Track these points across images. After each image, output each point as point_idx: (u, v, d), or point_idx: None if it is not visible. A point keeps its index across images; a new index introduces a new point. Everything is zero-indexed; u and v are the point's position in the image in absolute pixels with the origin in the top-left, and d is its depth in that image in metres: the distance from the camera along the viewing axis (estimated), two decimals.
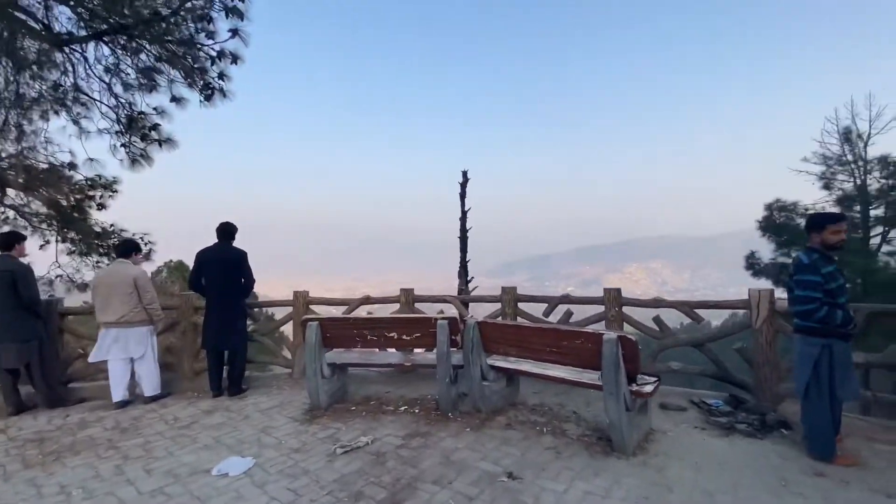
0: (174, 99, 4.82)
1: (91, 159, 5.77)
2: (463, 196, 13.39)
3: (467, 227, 13.48)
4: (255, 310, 5.75)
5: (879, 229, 10.73)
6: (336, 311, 5.62)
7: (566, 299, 5.16)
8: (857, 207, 10.84)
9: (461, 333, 3.46)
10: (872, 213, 10.53)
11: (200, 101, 5.07)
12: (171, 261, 25.86)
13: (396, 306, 5.29)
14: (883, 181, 9.77)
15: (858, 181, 10.57)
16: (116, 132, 4.68)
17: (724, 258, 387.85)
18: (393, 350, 4.18)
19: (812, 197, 11.44)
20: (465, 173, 13.52)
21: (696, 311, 4.25)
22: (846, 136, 10.27)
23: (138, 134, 4.64)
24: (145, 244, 7.71)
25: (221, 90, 4.79)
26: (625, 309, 4.65)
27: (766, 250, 12.86)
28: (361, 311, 5.36)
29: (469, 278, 13.40)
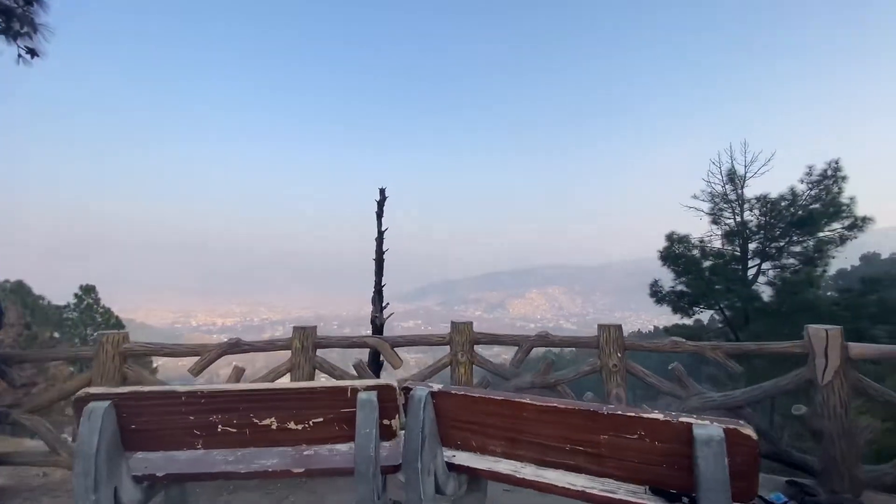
0: None
1: None
2: (380, 215, 12.43)
3: (384, 249, 12.51)
4: (9, 367, 3.66)
5: (756, 261, 12.05)
6: (178, 367, 3.95)
7: (544, 340, 4.00)
8: (737, 241, 12.12)
9: (400, 412, 2.04)
10: (751, 246, 11.85)
11: (21, 53, 3.55)
12: (6, 281, 20.71)
13: (283, 356, 3.79)
14: (762, 218, 11.12)
15: (738, 218, 11.90)
16: None
17: (609, 285, 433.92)
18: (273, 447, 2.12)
19: (699, 230, 12.74)
20: (382, 191, 12.63)
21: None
22: (730, 177, 11.64)
23: None
24: None
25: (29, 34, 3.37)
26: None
27: (656, 279, 13.73)
28: (223, 370, 3.99)
29: (384, 304, 12.33)
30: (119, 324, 21.20)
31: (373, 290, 12.09)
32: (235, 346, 4.04)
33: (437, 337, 4.13)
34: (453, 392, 1.96)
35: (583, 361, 3.99)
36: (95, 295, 20.78)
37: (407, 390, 1.96)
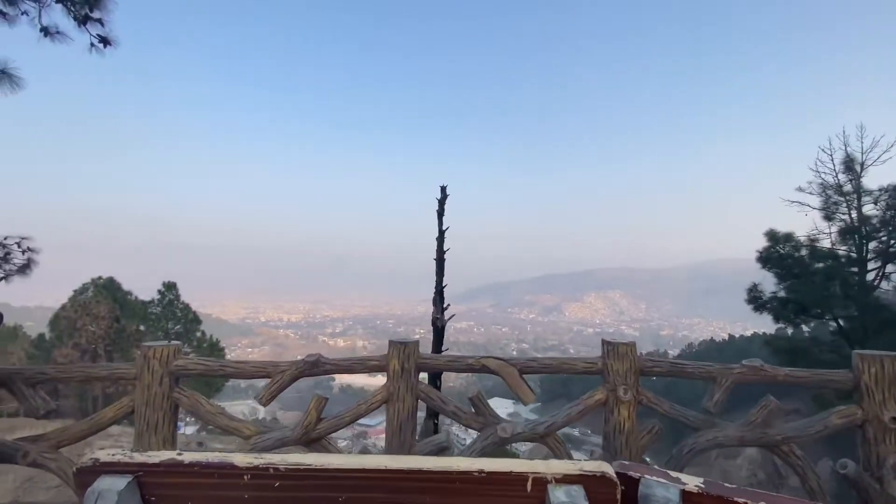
0: (45, 30, 3.22)
1: None
2: (441, 214, 12.01)
3: (444, 249, 12.09)
4: (32, 389, 2.91)
5: (877, 263, 10.21)
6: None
7: (757, 373, 2.69)
8: (854, 240, 10.33)
9: None
10: (870, 245, 10.04)
11: (93, 42, 3.44)
12: (99, 277, 22.84)
13: (377, 381, 2.98)
14: (888, 212, 9.33)
15: (856, 213, 10.12)
16: None
17: (677, 290, 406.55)
18: None
19: (805, 228, 10.95)
20: (443, 189, 12.19)
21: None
22: (847, 164, 9.92)
23: None
24: (23, 252, 5.68)
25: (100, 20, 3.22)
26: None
27: (755, 282, 12.10)
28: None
29: (445, 305, 11.91)
30: (197, 318, 22.71)
31: (433, 290, 11.77)
32: (315, 367, 2.99)
33: (584, 363, 3.07)
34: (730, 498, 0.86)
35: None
36: (176, 291, 22.47)
37: (628, 481, 0.93)
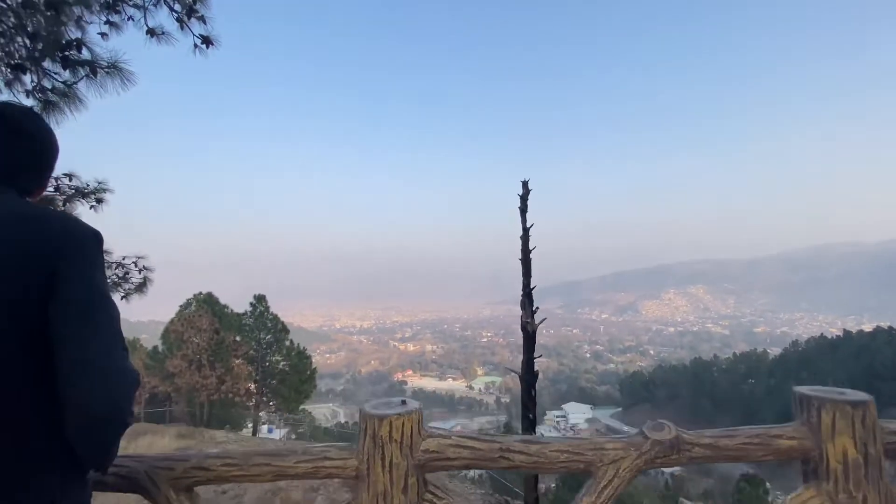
0: (151, 31, 3.09)
1: None
2: (524, 210, 11.19)
3: (530, 248, 11.34)
4: None
5: None
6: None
7: None
8: None
9: None
10: None
11: (196, 42, 3.24)
12: (200, 292, 24.85)
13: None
14: None
15: None
16: (13, 57, 2.76)
17: (772, 282, 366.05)
18: None
19: None
20: (525, 184, 11.34)
21: None
22: None
23: (56, 56, 2.83)
24: (139, 271, 5.79)
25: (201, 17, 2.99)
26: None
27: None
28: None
29: (534, 308, 11.13)
30: (285, 328, 23.98)
31: (521, 293, 11.04)
32: None
33: (786, 439, 1.56)
34: None
35: None
36: (266, 303, 23.93)
37: None
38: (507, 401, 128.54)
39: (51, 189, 4.39)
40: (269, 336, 23.27)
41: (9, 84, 2.61)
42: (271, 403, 24.07)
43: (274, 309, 24.94)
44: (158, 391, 21.37)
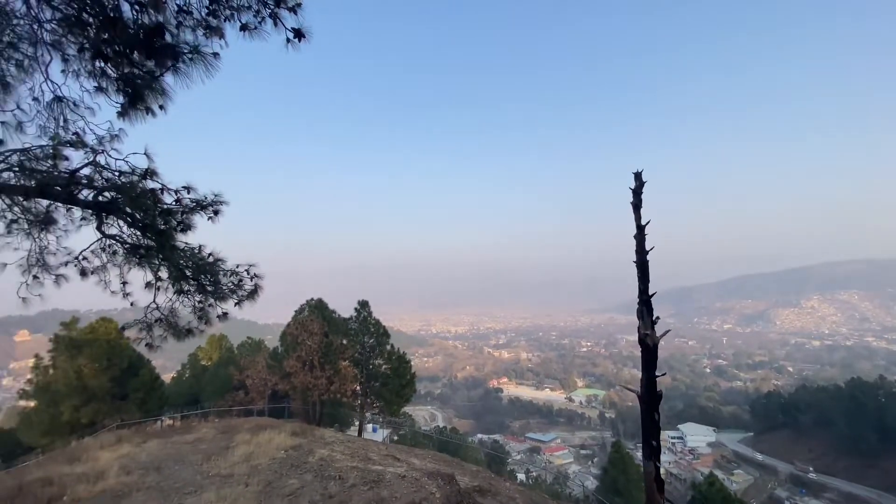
0: (244, 27, 2.99)
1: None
2: (637, 206, 9.88)
3: (647, 248, 9.94)
4: None
5: None
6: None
7: None
8: None
9: None
10: None
11: (288, 36, 3.06)
12: (312, 299, 26.95)
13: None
14: None
15: None
16: (91, 50, 2.74)
17: None
18: None
19: None
20: (638, 176, 10.08)
21: None
22: None
23: (140, 44, 2.79)
24: (251, 278, 5.97)
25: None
26: None
27: None
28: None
29: (654, 318, 9.70)
30: (386, 333, 24.96)
31: (637, 300, 9.65)
32: None
33: None
34: None
35: None
36: (369, 309, 25.12)
37: None
38: (613, 416, 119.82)
39: (172, 201, 4.68)
40: (371, 340, 24.31)
41: (93, 75, 2.68)
42: (375, 405, 25.04)
43: (375, 314, 26.02)
44: (278, 389, 23.49)
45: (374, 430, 35.87)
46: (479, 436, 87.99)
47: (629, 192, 9.93)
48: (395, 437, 33.95)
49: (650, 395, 9.19)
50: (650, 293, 9.55)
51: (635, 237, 9.89)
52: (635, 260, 9.81)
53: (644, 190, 10.08)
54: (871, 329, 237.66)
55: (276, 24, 3.03)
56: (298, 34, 3.07)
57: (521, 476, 39.86)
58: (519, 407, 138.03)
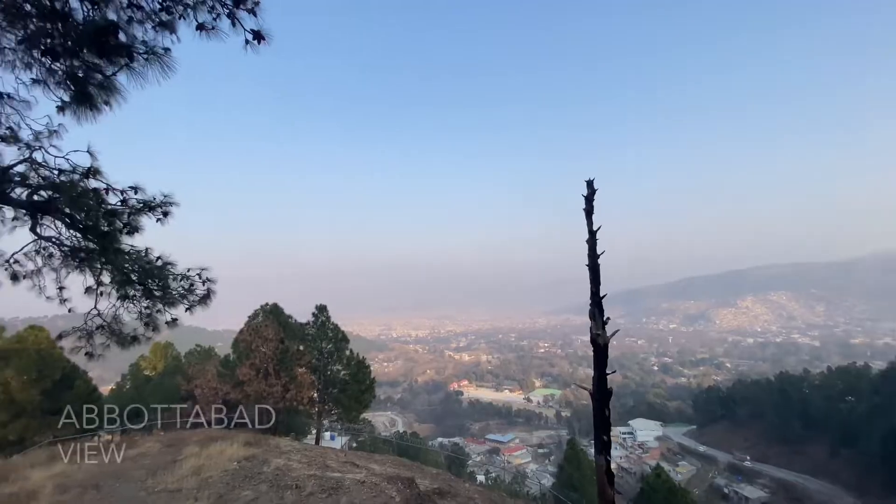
0: (201, 27, 2.93)
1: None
2: (589, 212, 10.38)
3: (597, 253, 10.46)
4: None
5: None
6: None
7: None
8: None
9: None
10: None
11: (247, 38, 3.04)
12: (266, 304, 25.99)
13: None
14: None
15: None
16: (30, 42, 2.58)
17: (870, 286, 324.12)
18: None
19: None
20: (590, 184, 10.57)
21: None
22: None
23: (92, 43, 2.65)
24: (203, 282, 5.78)
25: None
26: None
27: None
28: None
29: (605, 319, 10.21)
30: (345, 338, 24.48)
31: (579, 302, 10.20)
32: None
33: None
34: None
35: None
36: (327, 313, 24.57)
37: None
38: (568, 414, 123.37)
39: (118, 202, 4.45)
40: (330, 345, 23.79)
41: (29, 66, 2.53)
42: (333, 412, 24.48)
43: (334, 319, 25.51)
44: (230, 398, 22.45)
45: (332, 437, 35.05)
46: (440, 439, 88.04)
47: (583, 199, 10.46)
48: (355, 444, 33.33)
49: (601, 392, 9.64)
50: (601, 295, 10.08)
51: (587, 242, 10.42)
52: (587, 264, 10.34)
53: (595, 196, 10.64)
54: (797, 327, 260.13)
55: (234, 25, 2.99)
56: (258, 36, 3.04)
57: (480, 477, 40.26)
58: (479, 409, 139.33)
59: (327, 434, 32.26)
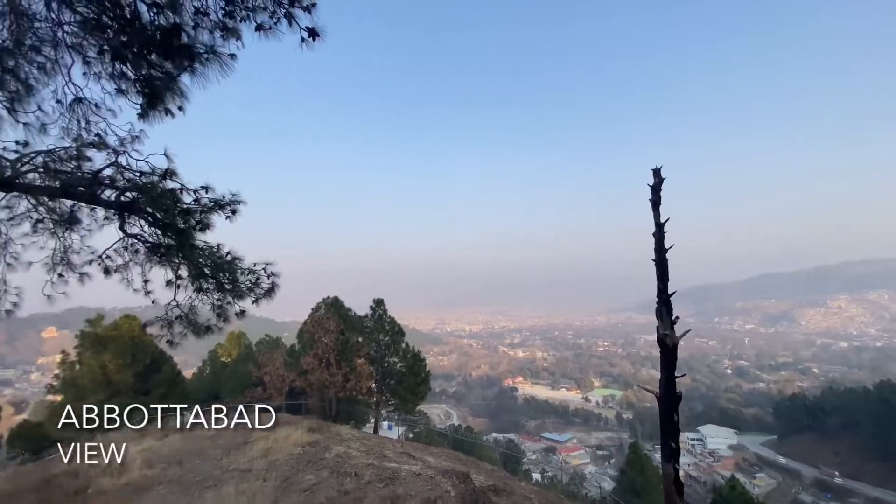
0: (259, 28, 3.01)
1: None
2: (656, 203, 9.71)
3: (665, 247, 9.74)
4: None
5: None
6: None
7: None
8: None
9: None
10: None
11: (303, 36, 3.07)
12: (328, 297, 27.22)
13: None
14: None
15: None
16: (110, 52, 2.79)
17: None
18: None
19: None
20: (657, 172, 9.92)
21: None
22: None
23: (154, 46, 2.80)
24: (268, 276, 6.04)
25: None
26: None
27: None
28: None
29: (674, 318, 9.50)
30: (401, 331, 25.12)
31: (656, 300, 9.49)
32: None
33: None
34: None
35: None
36: (384, 307, 25.32)
37: None
38: (630, 417, 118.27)
39: (191, 201, 4.76)
40: (387, 338, 24.47)
41: (114, 77, 2.74)
42: (390, 402, 25.18)
43: (390, 312, 26.16)
44: (296, 385, 23.82)
45: (390, 427, 36.12)
46: (494, 435, 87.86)
47: (648, 190, 9.77)
48: (411, 435, 34.10)
49: (669, 395, 9.01)
50: (669, 292, 9.37)
51: (654, 235, 9.73)
52: (654, 259, 9.66)
53: (663, 187, 9.91)
54: None
55: (290, 24, 3.05)
56: (312, 33, 3.09)
57: (536, 476, 39.67)
58: (534, 406, 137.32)
59: (385, 423, 33.30)
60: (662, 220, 9.60)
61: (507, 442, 70.68)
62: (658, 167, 9.76)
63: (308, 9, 3.01)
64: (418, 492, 8.37)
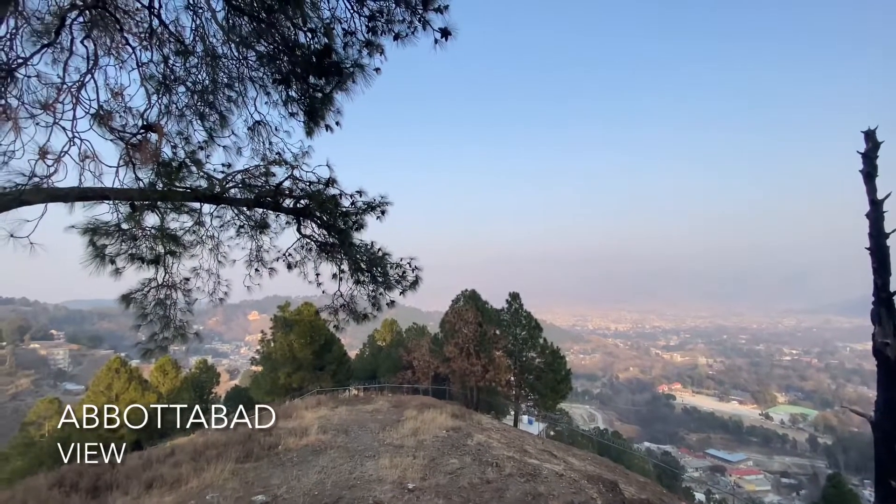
0: (397, 37, 3.23)
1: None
2: (871, 174, 7.58)
3: (885, 230, 7.52)
4: None
5: None
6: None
7: None
8: None
9: None
10: None
11: (436, 37, 3.21)
12: (466, 289, 28.35)
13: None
14: None
15: None
16: (282, 80, 3.24)
17: None
18: None
19: None
20: (870, 135, 7.71)
21: None
22: None
23: (312, 69, 3.15)
24: (412, 270, 6.56)
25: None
26: None
27: None
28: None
29: None
30: (538, 326, 24.72)
31: (872, 299, 7.41)
32: None
33: None
34: None
35: None
36: (520, 301, 25.27)
37: None
38: (829, 443, 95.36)
39: (348, 204, 5.45)
40: (524, 332, 24.35)
41: (287, 103, 3.25)
42: (530, 398, 25.02)
43: (526, 306, 25.92)
44: (440, 372, 25.47)
45: (530, 422, 35.92)
46: (647, 444, 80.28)
47: (860, 157, 7.65)
48: (552, 433, 33.36)
49: (889, 421, 6.96)
50: (891, 290, 7.19)
51: (868, 216, 7.57)
52: (868, 246, 7.51)
53: (880, 154, 7.68)
54: None
55: (424, 29, 3.23)
56: (445, 33, 3.21)
57: (699, 496, 34.93)
58: (696, 418, 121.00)
59: (525, 418, 33.24)
60: (880, 195, 7.43)
61: (661, 453, 63.93)
62: (871, 129, 7.56)
63: (441, 10, 3.15)
64: (561, 493, 8.13)
